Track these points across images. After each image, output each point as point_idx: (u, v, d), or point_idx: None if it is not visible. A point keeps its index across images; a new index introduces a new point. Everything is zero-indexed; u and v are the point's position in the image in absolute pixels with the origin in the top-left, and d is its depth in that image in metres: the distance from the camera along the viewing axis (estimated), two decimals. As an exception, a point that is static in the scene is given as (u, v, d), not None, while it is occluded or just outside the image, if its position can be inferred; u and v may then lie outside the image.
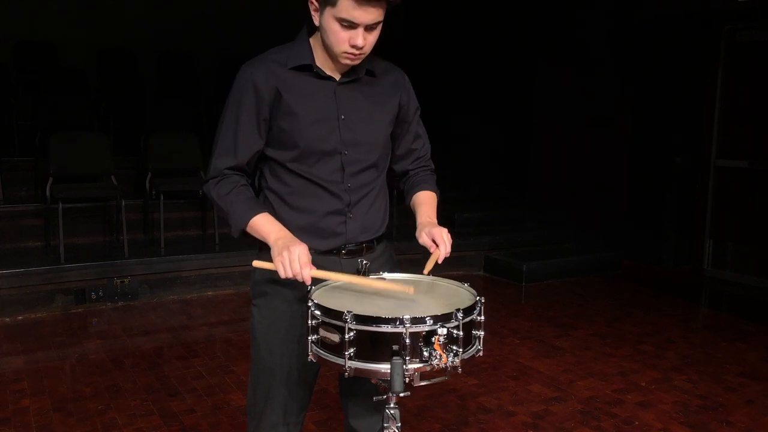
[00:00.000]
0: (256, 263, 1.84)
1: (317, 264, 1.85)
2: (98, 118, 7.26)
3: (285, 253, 1.72)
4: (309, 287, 1.73)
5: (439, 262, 1.85)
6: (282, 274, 1.72)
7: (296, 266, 1.70)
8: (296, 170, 1.88)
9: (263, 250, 1.86)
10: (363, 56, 1.82)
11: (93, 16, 8.09)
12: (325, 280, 1.81)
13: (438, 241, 1.85)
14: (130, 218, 5.94)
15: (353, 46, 1.76)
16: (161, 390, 3.74)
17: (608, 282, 6.45)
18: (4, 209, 5.85)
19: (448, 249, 1.85)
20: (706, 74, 6.60)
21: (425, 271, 1.85)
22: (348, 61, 1.82)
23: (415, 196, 2.07)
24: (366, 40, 1.76)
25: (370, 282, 1.80)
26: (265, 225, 1.84)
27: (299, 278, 1.72)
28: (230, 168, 1.88)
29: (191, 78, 8.29)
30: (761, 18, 6.09)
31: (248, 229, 1.85)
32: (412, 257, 1.90)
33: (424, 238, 1.89)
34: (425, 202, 2.04)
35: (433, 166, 2.17)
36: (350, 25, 1.73)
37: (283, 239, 1.78)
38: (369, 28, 1.75)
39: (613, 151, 7.11)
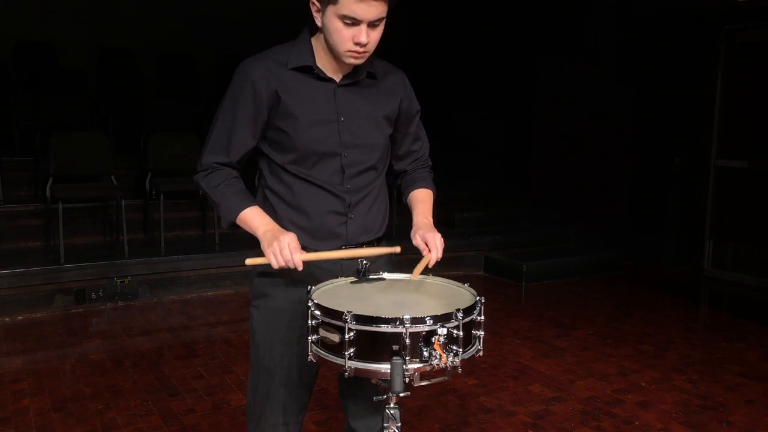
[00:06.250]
0: (249, 261, 1.85)
1: (317, 264, 1.85)
2: (98, 118, 7.27)
3: (275, 243, 1.74)
4: (309, 288, 1.73)
5: (430, 266, 1.86)
6: (274, 264, 1.75)
7: (287, 253, 1.73)
8: (295, 172, 1.88)
9: (258, 248, 1.86)
10: (367, 54, 1.81)
11: (93, 16, 8.09)
12: (324, 280, 1.82)
13: (431, 246, 1.87)
14: (130, 218, 5.94)
15: (357, 44, 1.75)
16: (161, 390, 3.74)
17: (608, 282, 6.45)
18: (4, 209, 5.85)
19: (440, 254, 1.87)
20: (706, 74, 6.60)
21: (414, 275, 1.87)
22: (352, 60, 1.80)
23: (412, 193, 2.08)
24: (369, 37, 1.76)
25: (356, 251, 1.88)
26: (254, 218, 1.85)
27: (291, 265, 1.74)
28: (221, 163, 1.90)
29: (191, 78, 8.30)
30: (761, 18, 6.09)
31: (238, 222, 1.87)
32: (411, 257, 1.90)
33: (417, 240, 1.91)
34: (422, 200, 2.04)
35: (431, 164, 2.18)
36: (353, 22, 1.72)
37: (271, 231, 1.80)
38: (372, 24, 1.74)
39: (613, 150, 7.10)
